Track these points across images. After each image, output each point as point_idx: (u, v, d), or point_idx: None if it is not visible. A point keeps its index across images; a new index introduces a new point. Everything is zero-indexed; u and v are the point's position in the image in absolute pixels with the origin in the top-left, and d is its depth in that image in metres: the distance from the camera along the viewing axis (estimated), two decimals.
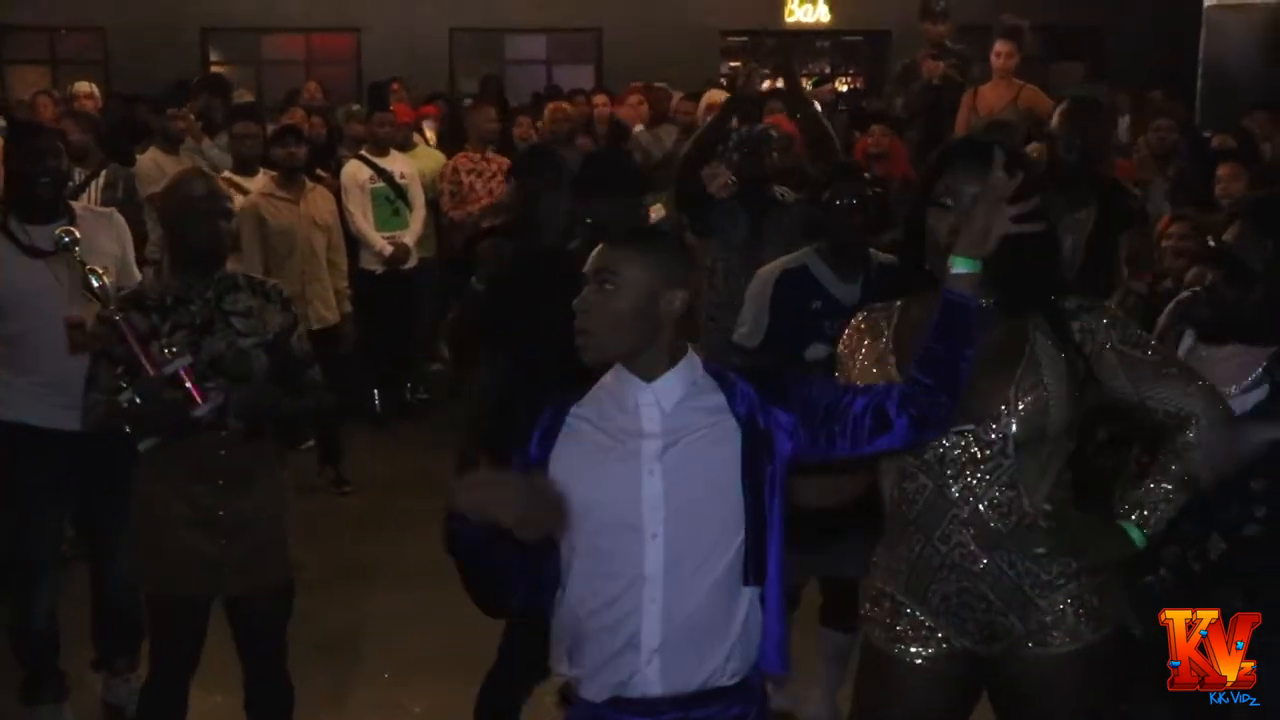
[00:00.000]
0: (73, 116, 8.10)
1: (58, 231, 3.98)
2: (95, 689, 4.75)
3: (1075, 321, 2.69)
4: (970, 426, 2.67)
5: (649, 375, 2.55)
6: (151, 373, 3.51)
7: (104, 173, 7.04)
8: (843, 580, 4.05)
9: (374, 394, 8.33)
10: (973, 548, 2.71)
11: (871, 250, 4.30)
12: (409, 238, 8.09)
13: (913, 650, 2.80)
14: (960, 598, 2.75)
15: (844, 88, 17.15)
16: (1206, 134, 8.22)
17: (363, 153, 8.21)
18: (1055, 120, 5.25)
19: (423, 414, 8.42)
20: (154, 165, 7.69)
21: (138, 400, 3.52)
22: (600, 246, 2.60)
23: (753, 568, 2.52)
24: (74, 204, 4.72)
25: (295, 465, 7.24)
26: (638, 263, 2.54)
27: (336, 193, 7.78)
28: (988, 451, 2.68)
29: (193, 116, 8.36)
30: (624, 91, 10.10)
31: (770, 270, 4.35)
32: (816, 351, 4.04)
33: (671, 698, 2.53)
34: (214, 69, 14.49)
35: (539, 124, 8.93)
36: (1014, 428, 2.66)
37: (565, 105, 9.10)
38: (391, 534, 6.38)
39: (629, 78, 11.22)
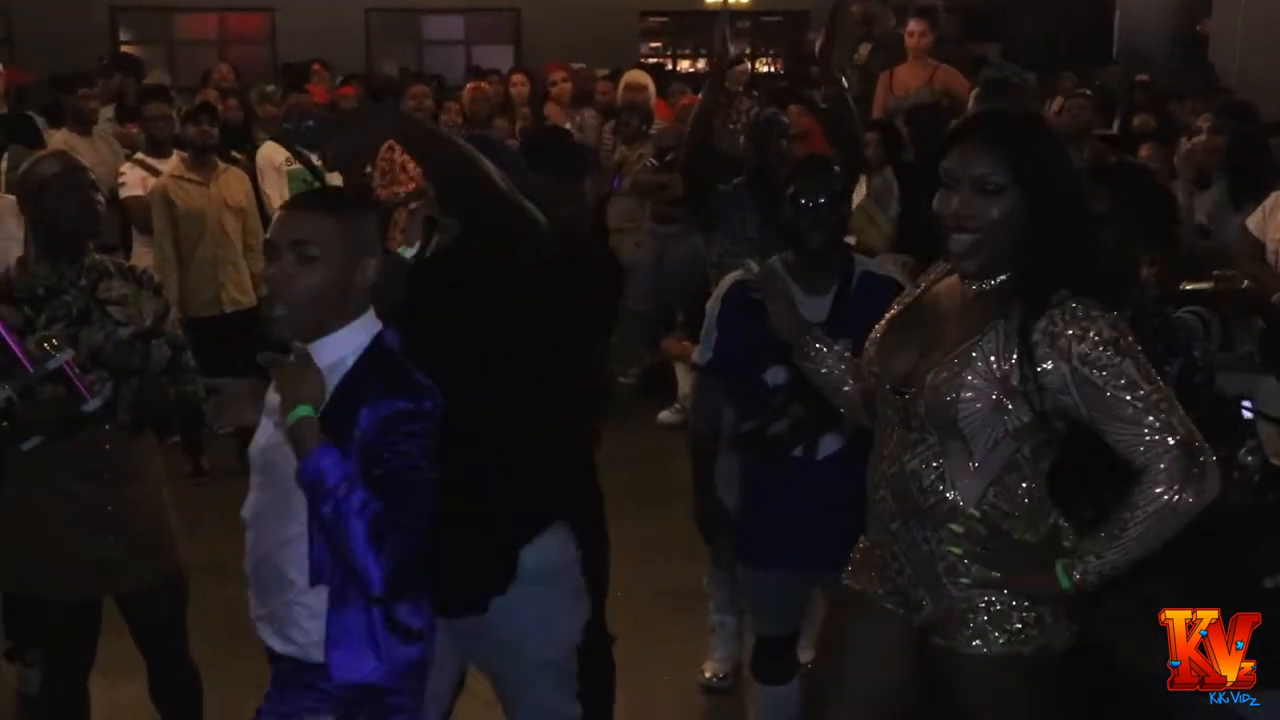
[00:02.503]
0: None
1: None
2: (10, 680, 4.70)
3: (1042, 320, 2.47)
4: (905, 388, 2.63)
5: (308, 338, 2.54)
6: (30, 369, 3.37)
7: (6, 155, 6.91)
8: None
9: None
10: (891, 506, 2.68)
11: (858, 256, 3.77)
12: None
13: (867, 590, 2.80)
14: (878, 551, 2.74)
15: (765, 69, 17.24)
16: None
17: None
18: (970, 105, 5.23)
19: None
20: (65, 148, 7.55)
21: (15, 399, 3.37)
22: (290, 213, 2.55)
23: (316, 570, 2.52)
24: None
25: (215, 452, 7.22)
26: (336, 231, 2.50)
27: (252, 175, 7.70)
28: (912, 422, 2.61)
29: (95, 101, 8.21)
30: (545, 69, 10.04)
31: (727, 279, 3.83)
32: (776, 376, 3.57)
33: (272, 649, 2.64)
34: (124, 49, 14.26)
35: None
36: (922, 406, 2.57)
37: (484, 85, 9.06)
38: None
39: (548, 58, 11.20)
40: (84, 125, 7.86)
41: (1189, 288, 3.93)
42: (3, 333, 3.39)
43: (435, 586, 2.85)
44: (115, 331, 3.60)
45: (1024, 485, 2.58)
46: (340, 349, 2.54)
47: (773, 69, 17.03)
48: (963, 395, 2.51)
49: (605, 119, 8.62)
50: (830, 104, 5.32)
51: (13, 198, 4.76)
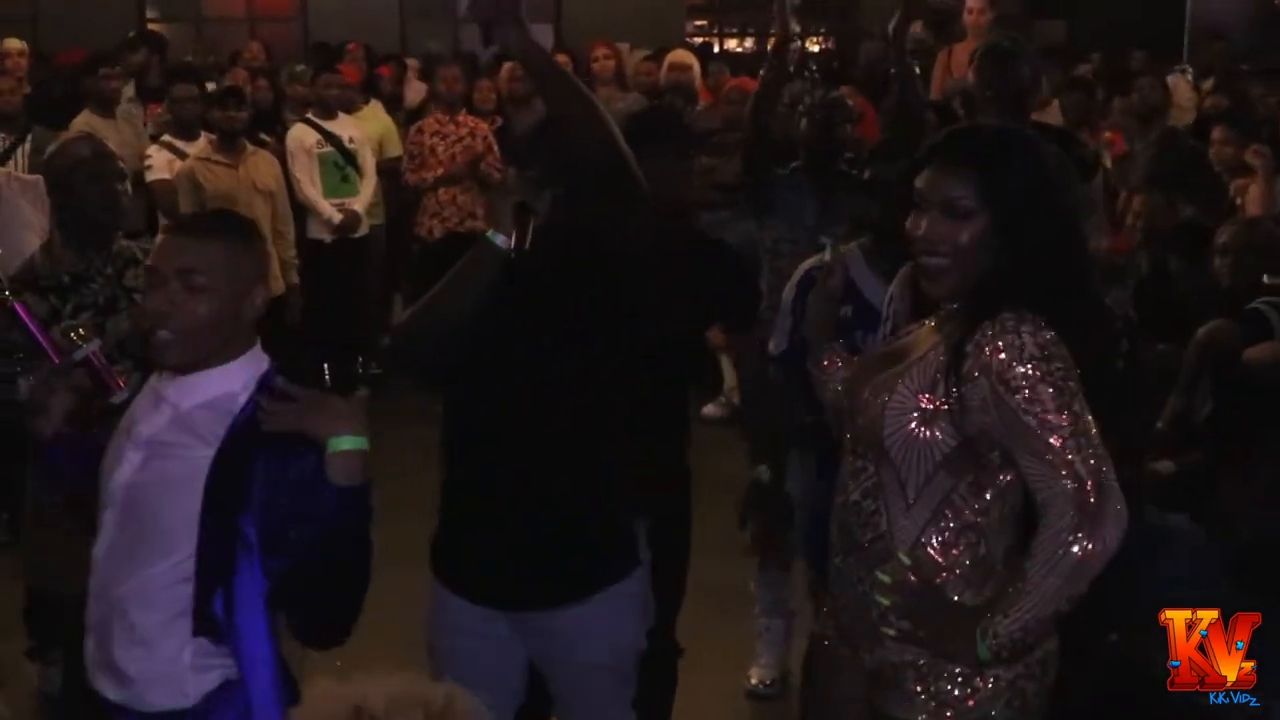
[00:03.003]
0: (4, 76, 8.03)
1: None
2: (31, 678, 4.73)
3: (976, 333, 2.38)
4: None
5: (189, 368, 2.50)
6: (55, 359, 3.35)
7: (29, 137, 6.98)
8: None
9: (324, 369, 8.27)
10: (836, 540, 2.60)
11: None
12: (359, 204, 8.04)
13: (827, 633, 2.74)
14: (832, 590, 2.68)
15: (815, 48, 17.14)
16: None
17: (309, 116, 8.16)
18: (970, 75, 4.92)
19: (375, 390, 8.35)
20: (88, 130, 7.60)
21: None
22: (177, 240, 2.53)
23: (203, 619, 2.45)
24: None
25: None
26: (225, 260, 2.46)
27: (282, 157, 7.73)
28: (858, 447, 2.54)
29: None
30: (588, 49, 10.00)
31: (803, 265, 3.85)
32: None
33: (114, 702, 2.53)
34: (151, 27, 14.34)
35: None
36: (859, 426, 2.52)
37: None
38: None
39: (589, 37, 11.17)
40: (106, 106, 7.89)
41: (1269, 282, 3.89)
42: (28, 322, 3.40)
43: (519, 578, 2.93)
44: None
45: (965, 536, 2.44)
46: (230, 382, 2.51)
47: (822, 48, 16.93)
48: (888, 411, 2.44)
49: (650, 100, 8.59)
50: (901, 83, 5.21)
51: (37, 179, 4.81)
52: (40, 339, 3.37)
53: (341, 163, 8.04)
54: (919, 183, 2.51)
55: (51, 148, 3.83)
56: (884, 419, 2.44)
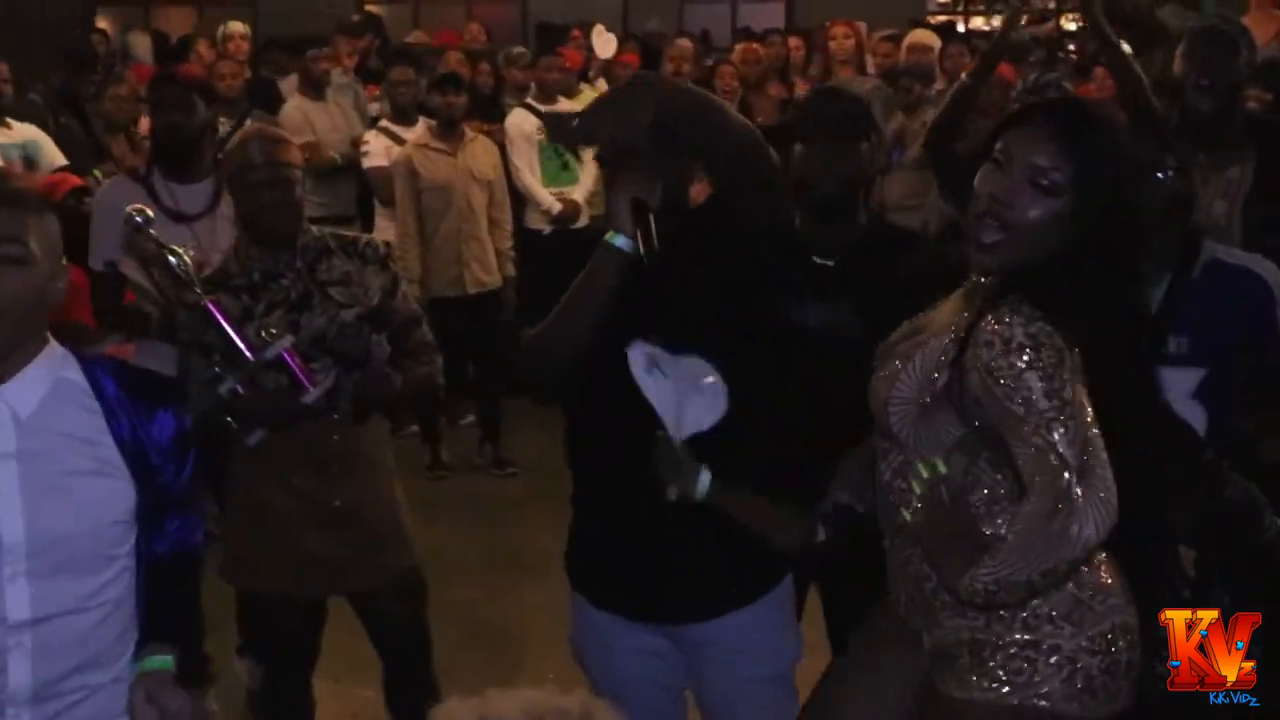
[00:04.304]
0: (226, 60, 8.38)
1: (129, 210, 3.65)
2: (241, 675, 4.90)
3: (981, 321, 2.42)
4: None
5: (4, 375, 2.33)
6: (251, 359, 3.47)
7: (248, 122, 7.24)
8: None
9: None
10: (882, 521, 2.68)
11: (1207, 241, 3.43)
12: (579, 194, 8.10)
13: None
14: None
15: (1071, 26, 16.73)
16: None
17: (529, 101, 8.28)
18: (1177, 63, 4.71)
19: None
20: (299, 115, 7.87)
21: (239, 390, 3.49)
22: None
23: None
24: None
25: (455, 444, 7.43)
26: (40, 230, 2.29)
27: (501, 144, 7.87)
28: (885, 429, 2.61)
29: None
30: (825, 30, 9.92)
31: None
32: None
33: None
34: (369, 8, 14.77)
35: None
36: (874, 413, 2.60)
37: (757, 47, 9.04)
38: (559, 520, 6.40)
39: (821, 17, 11.09)
40: (316, 89, 8.15)
41: None
42: (222, 321, 3.49)
43: (664, 591, 2.93)
44: (338, 315, 3.68)
45: (990, 508, 2.46)
46: (55, 369, 2.40)
47: (1081, 25, 16.49)
48: (893, 397, 2.52)
49: (889, 85, 8.49)
50: (1107, 61, 5.04)
51: None
52: (235, 338, 3.48)
53: (561, 150, 8.12)
54: (1007, 138, 2.47)
55: (231, 143, 3.87)
56: (889, 407, 2.52)
